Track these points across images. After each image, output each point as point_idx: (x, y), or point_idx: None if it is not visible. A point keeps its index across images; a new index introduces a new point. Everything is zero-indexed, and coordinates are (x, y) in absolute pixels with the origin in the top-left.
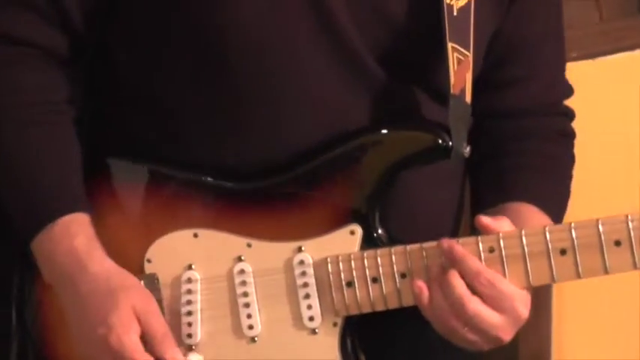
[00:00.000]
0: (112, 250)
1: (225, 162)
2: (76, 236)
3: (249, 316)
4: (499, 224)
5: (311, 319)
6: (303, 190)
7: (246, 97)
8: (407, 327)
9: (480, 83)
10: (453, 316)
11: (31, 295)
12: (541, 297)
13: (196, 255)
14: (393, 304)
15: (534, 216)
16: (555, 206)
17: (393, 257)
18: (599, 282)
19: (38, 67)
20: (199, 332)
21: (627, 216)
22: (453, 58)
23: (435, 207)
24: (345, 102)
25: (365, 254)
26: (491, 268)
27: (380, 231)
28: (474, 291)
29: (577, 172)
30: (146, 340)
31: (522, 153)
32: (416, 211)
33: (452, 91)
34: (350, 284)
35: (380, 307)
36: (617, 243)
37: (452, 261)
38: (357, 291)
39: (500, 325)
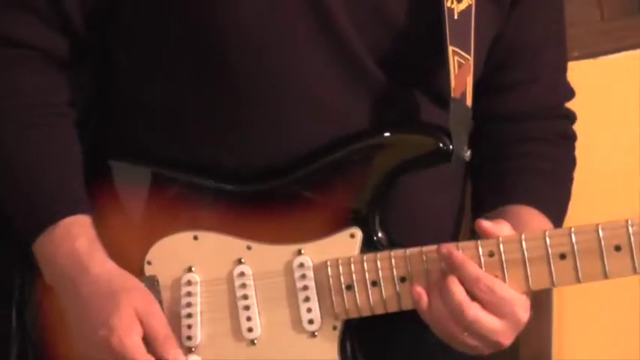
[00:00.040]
0: (112, 252)
1: (226, 163)
2: (77, 238)
3: (248, 318)
4: (499, 228)
5: (310, 322)
6: (303, 192)
7: (245, 97)
8: (406, 330)
9: (480, 86)
10: (452, 321)
11: (31, 296)
12: (542, 299)
13: (196, 257)
14: (392, 308)
15: (535, 219)
16: (556, 209)
17: (393, 261)
18: (600, 284)
19: (38, 69)
20: (199, 334)
21: (627, 221)
22: (453, 61)
23: (435, 210)
24: (345, 103)
25: (365, 258)
26: (491, 273)
27: (380, 234)
28: (473, 297)
29: (577, 171)
30: (148, 341)
31: (523, 156)
32: (416, 214)
33: (452, 94)
34: (350, 288)
35: (379, 311)
36: (617, 248)
37: (451, 266)
38: (357, 294)
39: (500, 330)
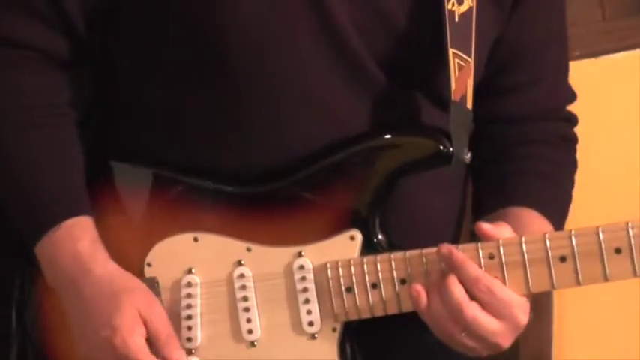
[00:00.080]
0: (113, 253)
1: (226, 164)
2: (80, 239)
3: (248, 320)
4: (499, 231)
5: (310, 324)
6: (303, 194)
7: (246, 98)
8: (406, 332)
9: (481, 89)
10: (451, 321)
11: (31, 296)
12: (542, 300)
13: (196, 259)
14: (392, 310)
15: (535, 221)
16: (557, 212)
17: (393, 263)
18: (600, 285)
19: (38, 69)
20: (199, 336)
21: (627, 223)
22: (454, 64)
23: (436, 213)
24: (345, 104)
25: (365, 260)
26: (491, 275)
27: (380, 236)
28: (472, 297)
29: (578, 171)
30: (150, 341)
31: (524, 158)
32: (416, 216)
33: (453, 97)
34: (349, 289)
35: (379, 313)
36: (618, 250)
37: (451, 266)
38: (357, 296)
39: (499, 332)
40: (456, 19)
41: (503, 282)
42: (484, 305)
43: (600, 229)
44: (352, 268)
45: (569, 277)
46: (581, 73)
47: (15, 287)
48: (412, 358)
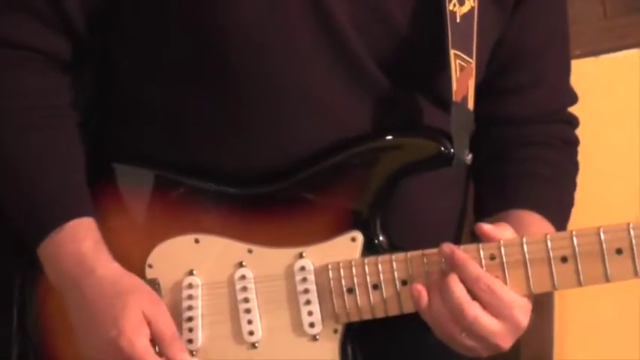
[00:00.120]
0: (114, 254)
1: (226, 164)
2: (83, 240)
3: (249, 321)
4: (500, 231)
5: (312, 325)
6: (304, 195)
7: (246, 98)
8: (407, 333)
9: (483, 89)
10: (452, 321)
11: (32, 297)
12: (543, 299)
13: (197, 260)
14: (393, 311)
15: (536, 223)
16: (558, 213)
17: (394, 264)
18: (601, 285)
19: (39, 70)
20: (200, 337)
21: (629, 224)
22: (455, 64)
23: (437, 214)
24: (346, 105)
25: (366, 261)
26: (492, 275)
27: (381, 238)
28: (473, 297)
29: (580, 170)
30: (155, 342)
31: (525, 160)
32: (417, 217)
33: (454, 98)
34: (351, 291)
35: (380, 314)
36: (619, 251)
37: (452, 266)
38: (358, 297)
39: (499, 332)
40: (458, 20)
41: (505, 282)
42: (485, 305)
43: (602, 230)
44: (353, 269)
45: (571, 277)
46: (581, 71)
47: (16, 288)
48: None
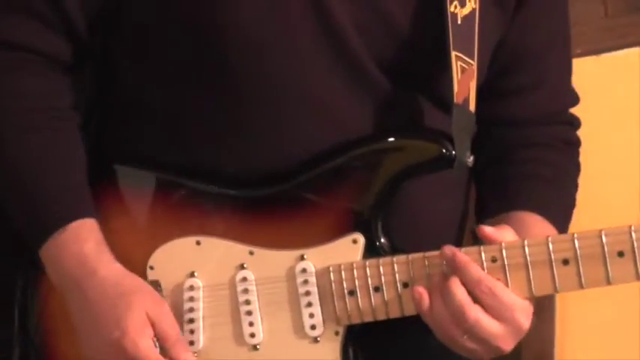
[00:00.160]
0: (115, 256)
1: (226, 165)
2: (86, 241)
3: (251, 324)
4: (501, 234)
5: (313, 327)
6: (305, 197)
7: (246, 98)
8: (408, 336)
9: (484, 91)
10: (453, 324)
11: (33, 298)
12: (544, 300)
13: (199, 262)
14: (395, 314)
15: (538, 225)
16: (560, 215)
17: (396, 266)
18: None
19: (39, 72)
20: (201, 339)
21: (631, 227)
22: (456, 66)
23: (438, 216)
24: (346, 106)
25: (367, 263)
26: (494, 278)
27: (382, 240)
28: (475, 299)
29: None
30: (159, 343)
31: (526, 161)
32: (418, 220)
33: (455, 100)
34: (352, 293)
35: (382, 316)
36: (621, 254)
37: (454, 268)
38: (359, 300)
39: (500, 335)
40: (459, 22)
41: (506, 285)
42: (486, 308)
43: (603, 233)
44: (355, 271)
45: (572, 280)
46: (582, 70)
47: (17, 289)
48: None
